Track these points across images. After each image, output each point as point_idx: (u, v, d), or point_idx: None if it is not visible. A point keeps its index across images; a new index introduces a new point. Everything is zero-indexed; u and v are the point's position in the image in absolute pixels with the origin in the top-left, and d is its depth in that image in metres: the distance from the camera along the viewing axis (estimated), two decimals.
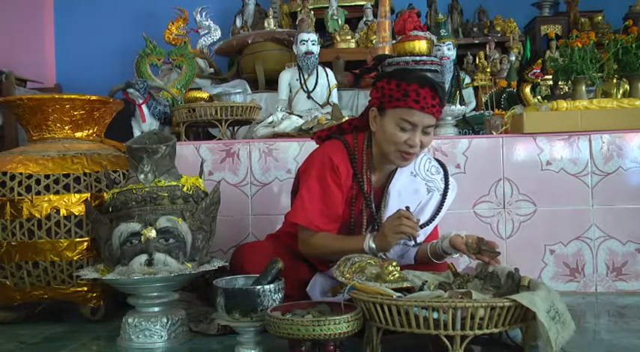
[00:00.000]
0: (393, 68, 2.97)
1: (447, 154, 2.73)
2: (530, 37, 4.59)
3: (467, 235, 1.99)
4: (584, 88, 2.83)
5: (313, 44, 3.62)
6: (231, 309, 1.77)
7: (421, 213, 2.13)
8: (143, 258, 2.01)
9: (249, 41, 4.30)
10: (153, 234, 2.03)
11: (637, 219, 2.67)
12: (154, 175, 2.15)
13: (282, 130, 3.04)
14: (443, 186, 2.18)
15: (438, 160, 2.26)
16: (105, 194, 2.24)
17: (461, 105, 3.34)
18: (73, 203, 2.26)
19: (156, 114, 2.97)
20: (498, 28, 4.85)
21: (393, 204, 2.11)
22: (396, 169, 2.16)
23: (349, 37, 4.51)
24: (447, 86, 3.49)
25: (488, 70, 4.25)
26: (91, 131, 2.53)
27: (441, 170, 2.21)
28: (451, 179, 2.21)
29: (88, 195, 2.28)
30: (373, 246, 1.96)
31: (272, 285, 1.78)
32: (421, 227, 2.11)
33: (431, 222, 2.14)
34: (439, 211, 2.15)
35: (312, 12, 4.58)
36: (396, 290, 1.70)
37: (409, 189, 2.14)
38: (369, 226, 2.13)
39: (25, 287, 2.27)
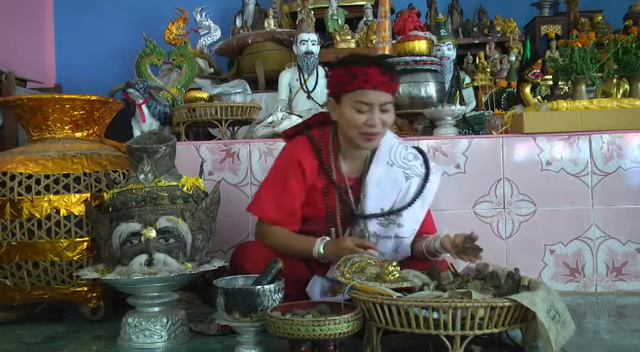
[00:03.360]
0: None
1: (446, 154, 2.73)
2: (530, 37, 4.59)
3: (456, 234, 1.99)
4: (584, 87, 2.82)
5: (313, 44, 3.62)
6: (231, 309, 1.77)
7: (403, 201, 2.13)
8: (143, 258, 2.01)
9: (249, 41, 4.30)
10: (153, 234, 2.03)
11: (637, 219, 2.66)
12: (154, 175, 2.15)
13: (282, 130, 3.03)
14: (424, 171, 2.16)
15: (415, 147, 2.25)
16: (105, 194, 2.24)
17: (461, 105, 3.33)
18: (73, 203, 2.26)
19: (156, 114, 2.96)
20: (498, 28, 4.85)
21: (373, 194, 2.12)
22: (372, 158, 2.16)
23: (349, 37, 4.51)
24: (447, 86, 3.48)
25: (489, 70, 4.25)
26: (91, 131, 2.53)
27: (420, 156, 2.20)
28: (433, 163, 2.21)
29: (88, 195, 2.28)
30: (322, 252, 2.03)
31: (272, 285, 1.78)
32: (403, 209, 2.11)
33: (412, 204, 2.11)
34: (420, 193, 2.13)
35: (312, 12, 4.58)
36: (396, 290, 1.70)
37: (387, 179, 2.14)
38: (346, 215, 2.13)
39: (25, 287, 2.27)
